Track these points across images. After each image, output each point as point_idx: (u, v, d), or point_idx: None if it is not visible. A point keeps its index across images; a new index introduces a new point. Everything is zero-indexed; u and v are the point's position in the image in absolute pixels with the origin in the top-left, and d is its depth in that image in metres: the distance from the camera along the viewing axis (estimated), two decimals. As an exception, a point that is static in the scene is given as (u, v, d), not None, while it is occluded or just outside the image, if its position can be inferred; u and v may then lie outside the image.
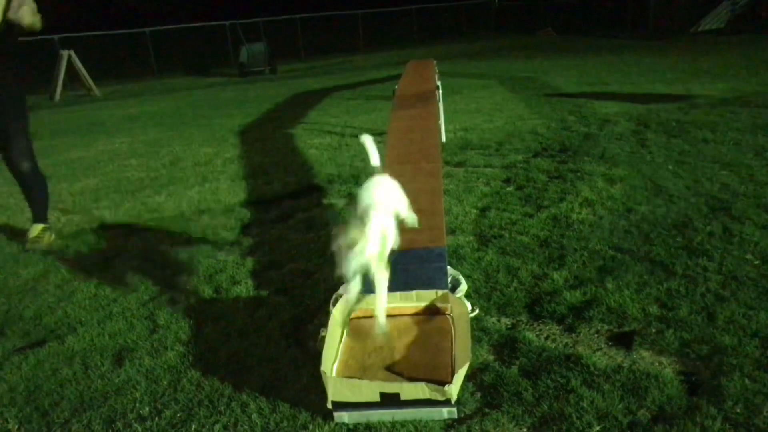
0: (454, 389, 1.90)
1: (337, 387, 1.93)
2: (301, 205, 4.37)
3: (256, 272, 3.24)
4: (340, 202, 4.32)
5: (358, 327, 2.37)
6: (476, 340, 2.34)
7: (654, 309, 2.47)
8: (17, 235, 4.25)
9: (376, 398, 1.92)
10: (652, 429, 1.82)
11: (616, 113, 6.62)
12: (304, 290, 2.96)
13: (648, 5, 20.55)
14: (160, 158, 6.51)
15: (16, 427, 2.09)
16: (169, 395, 2.19)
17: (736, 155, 4.58)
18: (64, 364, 2.46)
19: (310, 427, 1.95)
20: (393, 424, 1.92)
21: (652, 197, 3.80)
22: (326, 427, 1.94)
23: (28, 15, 3.51)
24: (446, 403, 1.91)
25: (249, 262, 3.39)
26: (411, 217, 2.49)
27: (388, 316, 2.39)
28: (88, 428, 2.05)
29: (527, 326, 2.46)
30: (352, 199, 4.37)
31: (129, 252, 3.72)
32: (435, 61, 7.27)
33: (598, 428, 1.84)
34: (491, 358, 2.27)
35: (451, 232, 3.49)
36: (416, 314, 2.39)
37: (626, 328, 2.37)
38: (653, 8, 20.45)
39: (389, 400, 1.92)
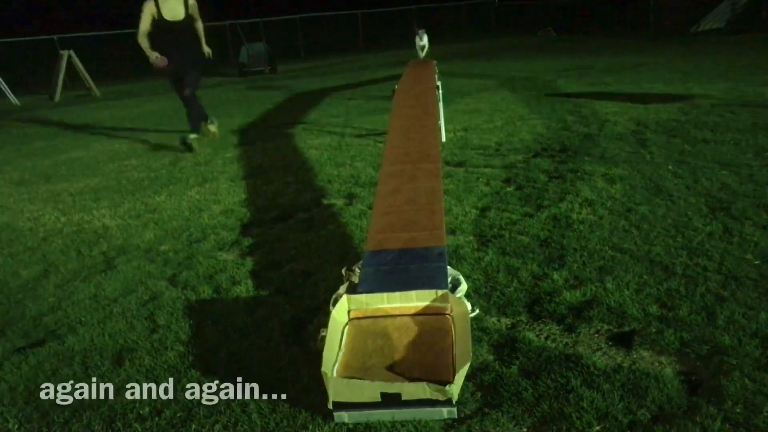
0: (455, 389, 1.90)
1: (339, 388, 1.93)
2: (301, 205, 4.37)
3: (256, 272, 3.24)
4: (340, 202, 4.32)
5: (358, 327, 2.37)
6: (476, 340, 2.34)
7: (654, 309, 2.47)
8: (18, 235, 4.25)
9: (378, 398, 1.92)
10: (652, 429, 1.82)
11: (616, 113, 6.62)
12: (304, 290, 2.96)
13: (648, 5, 20.54)
14: (160, 158, 6.51)
15: (16, 427, 2.09)
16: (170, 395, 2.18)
17: (736, 155, 4.58)
18: (64, 364, 2.46)
19: (310, 427, 1.95)
20: (393, 424, 1.93)
21: (652, 197, 3.80)
22: (326, 427, 1.94)
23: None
24: (446, 402, 1.91)
25: (249, 262, 3.39)
26: None
27: (388, 316, 2.40)
28: (88, 428, 2.05)
29: (527, 326, 2.46)
30: (351, 199, 4.37)
31: (129, 252, 3.72)
32: (435, 61, 7.27)
33: (598, 428, 1.85)
34: (491, 358, 2.27)
35: (451, 232, 3.49)
36: (416, 314, 2.39)
37: (626, 328, 2.38)
38: (653, 8, 20.44)
39: (390, 400, 1.92)
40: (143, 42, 6.28)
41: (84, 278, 3.36)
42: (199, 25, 6.52)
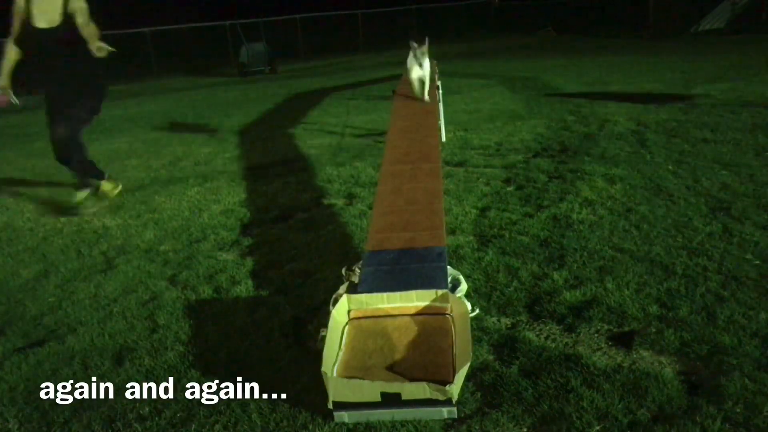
0: (455, 389, 1.90)
1: (338, 387, 1.93)
2: (301, 205, 4.37)
3: (256, 272, 3.24)
4: (340, 202, 4.32)
5: (358, 327, 2.37)
6: (476, 340, 2.34)
7: (654, 309, 2.47)
8: (17, 234, 4.25)
9: (377, 398, 1.92)
10: (652, 429, 1.82)
11: (616, 113, 6.62)
12: (304, 290, 2.96)
13: (648, 5, 20.54)
14: (160, 158, 6.51)
15: (16, 427, 2.09)
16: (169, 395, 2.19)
17: (736, 155, 4.58)
18: (64, 364, 2.46)
19: (310, 427, 1.95)
20: (393, 423, 1.93)
21: (652, 197, 3.80)
22: (326, 427, 1.94)
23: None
24: (446, 402, 1.91)
25: (249, 262, 3.39)
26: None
27: (388, 316, 2.40)
28: (88, 428, 2.05)
29: (527, 326, 2.46)
30: (351, 199, 4.37)
31: (129, 252, 3.72)
32: (435, 61, 7.26)
33: (598, 428, 1.85)
34: (491, 358, 2.27)
35: (451, 232, 3.49)
36: (416, 314, 2.39)
37: (626, 328, 2.37)
38: (653, 8, 20.44)
39: (390, 400, 1.92)
40: (8, 52, 4.40)
41: (84, 278, 3.36)
42: (90, 27, 4.39)
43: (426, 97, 4.87)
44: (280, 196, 4.66)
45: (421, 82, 4.78)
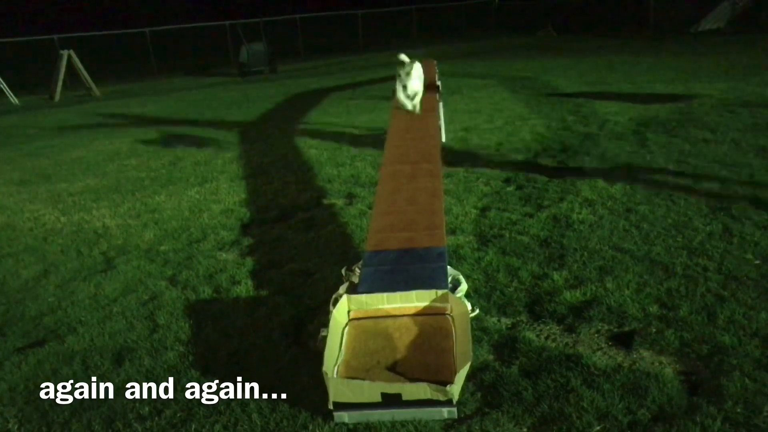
0: (455, 389, 1.90)
1: (339, 388, 1.93)
2: (301, 205, 4.37)
3: (256, 272, 3.24)
4: (340, 202, 4.32)
5: (359, 328, 2.37)
6: (476, 340, 2.34)
7: (654, 309, 2.47)
8: (18, 234, 4.25)
9: (378, 399, 1.92)
10: (652, 429, 1.82)
11: (616, 113, 6.62)
12: (304, 290, 2.96)
13: (648, 5, 20.54)
14: (160, 158, 6.50)
15: (16, 427, 2.09)
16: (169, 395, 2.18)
17: (736, 155, 4.58)
18: (64, 364, 2.46)
19: (310, 427, 1.95)
20: (393, 424, 1.93)
21: (652, 197, 3.80)
22: (326, 427, 1.94)
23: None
24: (447, 403, 1.91)
25: (249, 262, 3.39)
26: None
27: (389, 316, 2.40)
28: (88, 428, 2.05)
29: (527, 326, 2.46)
30: (351, 199, 4.37)
31: (129, 252, 3.72)
32: (435, 61, 7.26)
33: (598, 428, 1.85)
34: (491, 358, 2.27)
35: (451, 232, 3.49)
36: (417, 314, 2.39)
37: (626, 328, 2.38)
38: (653, 8, 20.44)
39: (390, 401, 1.92)
40: None
41: (84, 278, 3.36)
42: None
43: (417, 109, 4.65)
44: (280, 196, 4.66)
45: (409, 99, 4.55)
